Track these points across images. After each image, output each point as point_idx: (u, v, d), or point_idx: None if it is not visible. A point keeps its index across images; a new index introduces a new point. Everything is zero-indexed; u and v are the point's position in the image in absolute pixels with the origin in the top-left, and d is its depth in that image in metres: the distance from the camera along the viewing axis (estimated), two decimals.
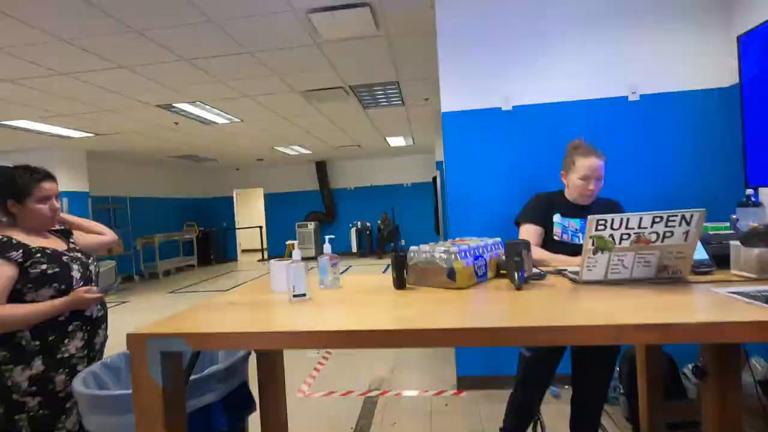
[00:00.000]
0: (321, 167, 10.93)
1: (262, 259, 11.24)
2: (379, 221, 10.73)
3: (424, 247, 1.37)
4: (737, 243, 1.20)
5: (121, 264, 8.26)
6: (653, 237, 1.16)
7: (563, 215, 1.77)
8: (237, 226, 11.95)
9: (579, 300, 1.06)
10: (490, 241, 1.48)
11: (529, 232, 1.79)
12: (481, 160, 2.75)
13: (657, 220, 1.13)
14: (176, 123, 5.77)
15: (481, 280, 1.35)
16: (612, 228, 1.15)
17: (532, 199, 1.89)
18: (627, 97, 2.65)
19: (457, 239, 1.57)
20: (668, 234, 1.15)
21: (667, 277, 1.22)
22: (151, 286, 8.07)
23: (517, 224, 1.88)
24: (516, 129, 2.73)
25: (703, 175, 2.60)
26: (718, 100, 2.58)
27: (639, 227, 1.15)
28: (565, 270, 1.38)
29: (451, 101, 2.79)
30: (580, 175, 1.73)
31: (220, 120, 5.78)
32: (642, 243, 1.17)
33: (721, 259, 1.27)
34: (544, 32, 2.69)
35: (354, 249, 10.63)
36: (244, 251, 13.48)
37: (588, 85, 2.67)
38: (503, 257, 1.42)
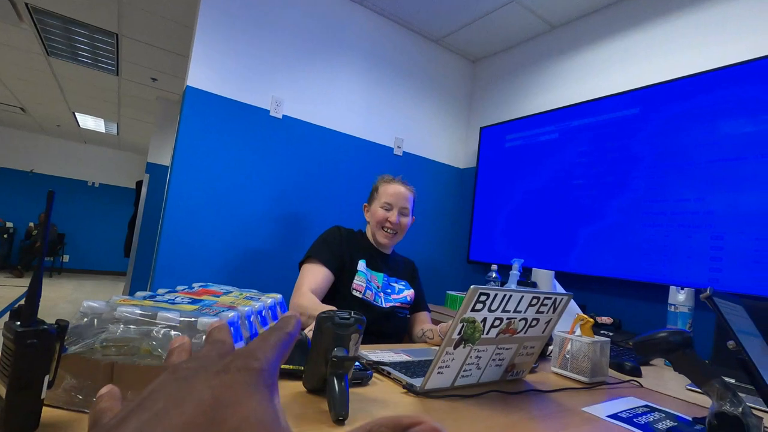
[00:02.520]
0: None
1: None
2: (32, 223, 7.51)
3: (128, 307, 0.55)
4: (563, 335, 1.01)
5: None
6: (521, 325, 0.80)
7: (368, 265, 1.30)
8: None
9: None
10: (268, 299, 0.79)
11: (314, 274, 1.23)
12: (229, 165, 2.01)
13: (534, 302, 0.78)
14: None
15: None
16: (489, 309, 0.72)
17: (330, 231, 1.36)
18: (393, 149, 2.58)
19: (197, 288, 0.80)
20: (534, 322, 0.82)
21: (511, 378, 0.88)
22: None
23: (302, 265, 1.30)
24: (283, 143, 2.17)
25: (435, 241, 2.75)
26: (457, 179, 2.87)
27: (515, 310, 0.76)
28: (385, 367, 0.84)
29: (202, 77, 1.97)
30: (381, 203, 1.36)
31: None
32: (509, 333, 0.78)
33: None
34: (330, 49, 2.35)
35: None
36: None
37: (362, 124, 2.46)
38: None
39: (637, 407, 0.80)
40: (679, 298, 1.29)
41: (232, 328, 0.58)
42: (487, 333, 0.74)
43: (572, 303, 1.41)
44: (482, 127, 2.67)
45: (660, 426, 0.71)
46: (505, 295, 0.72)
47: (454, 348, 0.72)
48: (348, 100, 2.41)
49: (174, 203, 1.87)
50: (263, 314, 0.74)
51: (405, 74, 2.64)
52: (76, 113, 5.99)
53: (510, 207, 2.39)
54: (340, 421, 0.57)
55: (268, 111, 2.13)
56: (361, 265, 1.30)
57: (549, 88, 2.40)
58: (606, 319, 1.68)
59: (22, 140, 7.68)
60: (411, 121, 2.68)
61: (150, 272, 2.01)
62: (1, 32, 3.51)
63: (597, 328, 1.65)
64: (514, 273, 1.60)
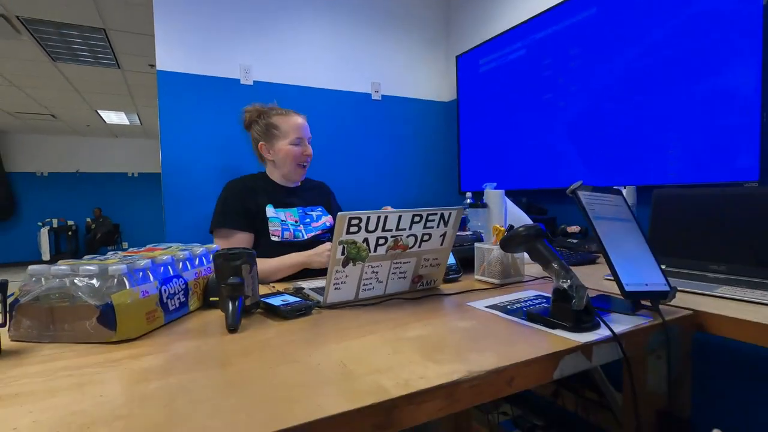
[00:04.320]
0: None
1: None
2: (89, 219, 8.29)
3: (60, 267, 0.72)
4: (483, 246, 1.11)
5: None
6: (411, 241, 0.91)
7: (276, 206, 1.37)
8: None
9: (323, 345, 0.68)
10: (198, 249, 0.95)
11: (231, 243, 1.29)
12: (211, 140, 2.17)
13: (416, 219, 0.88)
14: None
15: (176, 317, 0.81)
16: (367, 230, 0.83)
17: (225, 191, 1.39)
18: (371, 95, 2.61)
19: (145, 248, 0.97)
20: (426, 237, 0.92)
21: (422, 288, 1.01)
22: None
23: (213, 231, 1.36)
24: None
25: (427, 177, 2.82)
26: (442, 113, 2.87)
27: (397, 229, 0.87)
28: (303, 288, 1.00)
29: (170, 59, 2.08)
30: (291, 140, 1.39)
31: None
32: (399, 249, 0.90)
33: (465, 263, 1.16)
34: (292, 6, 2.36)
35: (46, 255, 7.83)
36: None
37: (336, 75, 2.49)
38: (214, 276, 0.92)
39: (526, 298, 0.91)
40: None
41: (140, 273, 0.74)
42: (375, 251, 0.87)
43: (521, 215, 1.48)
44: (458, 56, 2.62)
45: (532, 309, 0.81)
46: (379, 217, 0.83)
47: (344, 266, 0.85)
48: (317, 53, 2.44)
49: (168, 183, 2.07)
50: (194, 262, 0.91)
51: (374, 14, 2.60)
52: (98, 111, 6.36)
53: (489, 133, 2.39)
54: (232, 330, 0.73)
55: (239, 80, 2.23)
56: (270, 210, 1.33)
57: (517, 2, 2.29)
58: (574, 228, 1.73)
59: (63, 144, 8.31)
60: (387, 62, 2.67)
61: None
62: (7, 48, 3.76)
63: (566, 237, 1.72)
64: (485, 198, 1.68)
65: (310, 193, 1.50)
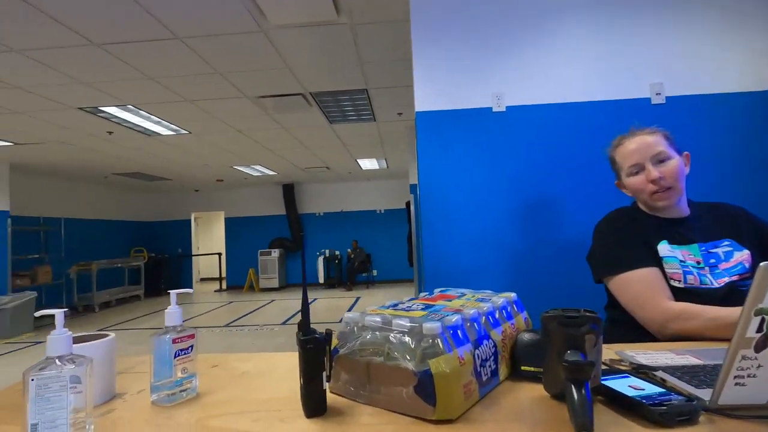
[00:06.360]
0: (289, 191, 10.15)
1: (220, 289, 10.19)
2: (349, 249, 9.94)
3: (373, 317, 0.66)
4: None
5: (49, 295, 7.14)
6: None
7: (671, 242, 1.06)
8: (194, 253, 10.88)
9: None
10: (498, 300, 0.78)
11: (646, 282, 1.00)
12: (467, 172, 2.11)
13: None
14: (110, 132, 4.94)
15: (487, 390, 0.64)
16: None
17: (607, 227, 1.14)
18: (650, 99, 2.09)
19: (436, 293, 0.87)
20: None
21: None
22: (82, 321, 6.92)
23: (606, 279, 1.10)
24: (513, 134, 2.11)
25: (746, 180, 2.01)
26: (758, 106, 2.05)
27: None
28: (657, 373, 0.68)
29: (427, 99, 2.15)
30: (627, 171, 1.10)
31: (162, 131, 5.00)
32: None
33: None
34: (543, 20, 2.13)
35: (321, 279, 9.76)
36: (203, 280, 12.44)
37: (602, 83, 2.10)
38: (524, 335, 0.72)
39: None
40: None
41: (451, 331, 0.61)
42: None
43: None
44: None
45: None
46: None
47: (757, 351, 0.51)
48: (573, 64, 2.12)
49: (426, 216, 2.11)
50: (495, 316, 0.74)
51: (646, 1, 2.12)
52: (357, 159, 7.63)
53: None
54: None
55: (491, 108, 2.13)
56: (663, 248, 1.04)
57: None
58: None
59: (331, 189, 10.39)
60: (670, 56, 2.10)
61: (423, 278, 2.31)
62: (302, 118, 4.89)
63: None
64: None
65: (706, 223, 1.10)
